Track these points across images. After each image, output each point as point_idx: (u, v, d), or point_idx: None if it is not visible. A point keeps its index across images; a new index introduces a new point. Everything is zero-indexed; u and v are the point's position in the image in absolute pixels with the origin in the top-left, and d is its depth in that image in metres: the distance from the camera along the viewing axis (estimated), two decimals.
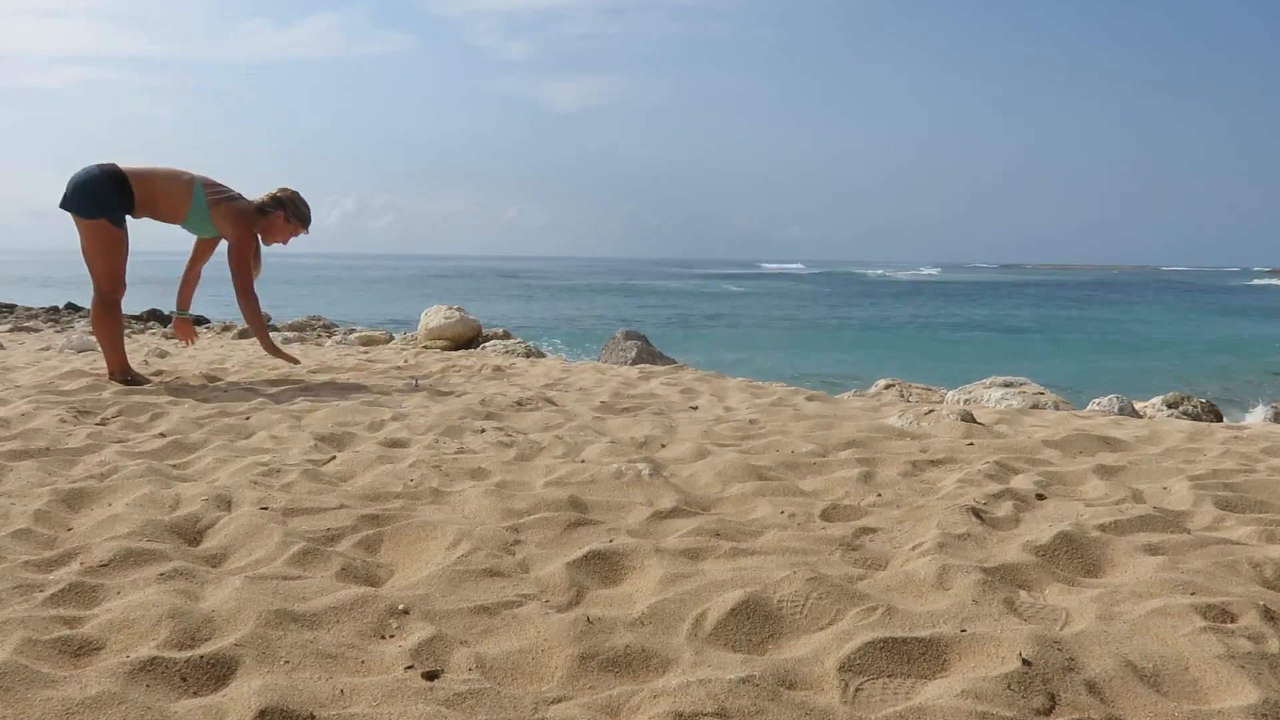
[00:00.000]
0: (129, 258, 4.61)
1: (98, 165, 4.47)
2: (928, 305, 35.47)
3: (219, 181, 4.71)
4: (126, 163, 4.53)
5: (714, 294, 42.47)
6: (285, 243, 4.91)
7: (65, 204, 4.44)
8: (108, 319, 4.54)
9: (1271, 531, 2.26)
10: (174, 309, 5.32)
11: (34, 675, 1.45)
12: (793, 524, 2.33)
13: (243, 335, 9.50)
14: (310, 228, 4.96)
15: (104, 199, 4.41)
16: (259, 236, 4.79)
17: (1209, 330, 23.94)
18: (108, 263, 4.48)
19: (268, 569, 1.96)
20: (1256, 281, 78.15)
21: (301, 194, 4.87)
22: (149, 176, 4.52)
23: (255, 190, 4.88)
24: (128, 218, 4.54)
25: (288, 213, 4.79)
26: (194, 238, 5.01)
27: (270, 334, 5.46)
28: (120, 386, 4.38)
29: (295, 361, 5.32)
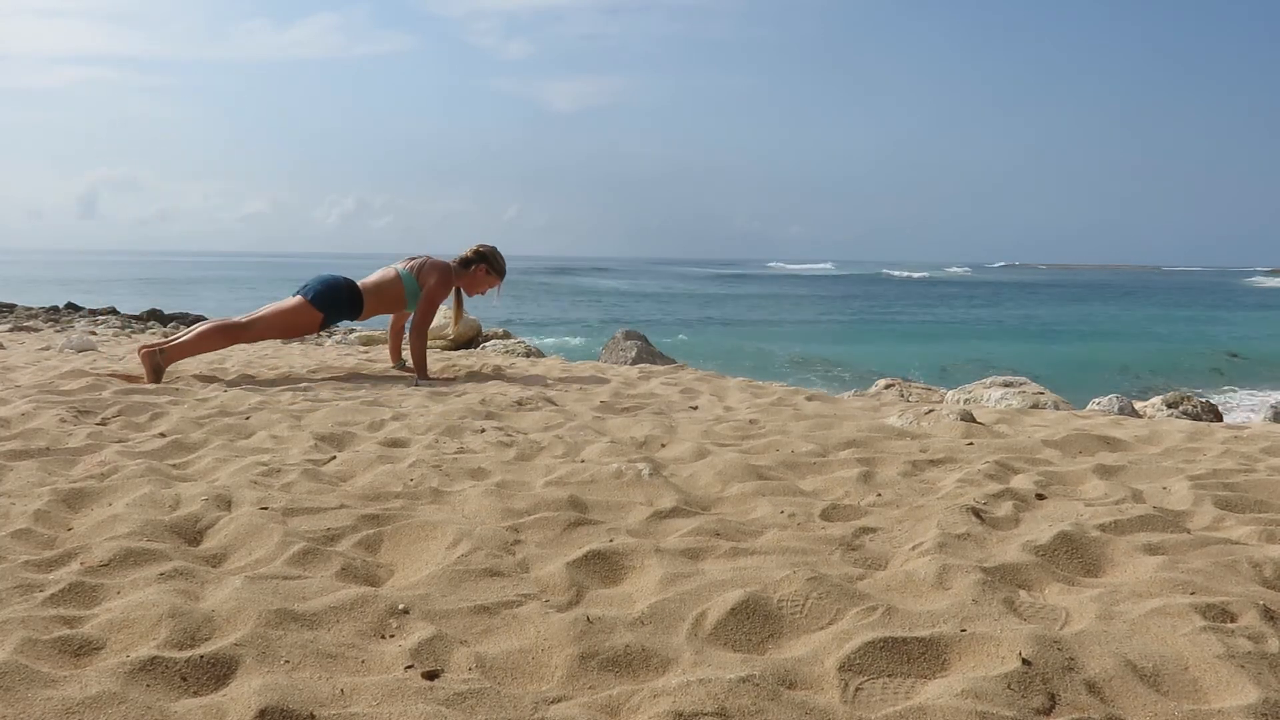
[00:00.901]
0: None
1: (345, 278, 5.25)
2: (1040, 307, 34.13)
3: (410, 256, 5.42)
4: (362, 279, 5.28)
5: (763, 298, 39.39)
6: (484, 293, 5.58)
7: (304, 289, 5.14)
8: (223, 339, 5.00)
9: (1271, 531, 2.26)
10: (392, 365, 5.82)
11: (34, 675, 1.45)
12: (793, 524, 2.33)
13: None
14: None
15: (335, 305, 5.14)
16: (460, 288, 5.50)
17: None
18: (281, 328, 5.12)
19: (268, 569, 1.96)
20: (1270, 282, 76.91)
21: (499, 250, 5.54)
22: (376, 289, 5.24)
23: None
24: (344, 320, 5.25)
25: (490, 266, 5.45)
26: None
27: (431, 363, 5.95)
28: (121, 386, 4.38)
29: (449, 382, 5.40)
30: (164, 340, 5.04)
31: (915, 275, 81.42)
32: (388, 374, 5.39)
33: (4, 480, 2.62)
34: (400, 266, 5.32)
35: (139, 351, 4.80)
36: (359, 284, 5.23)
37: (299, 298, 5.14)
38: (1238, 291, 54.56)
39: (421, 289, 5.26)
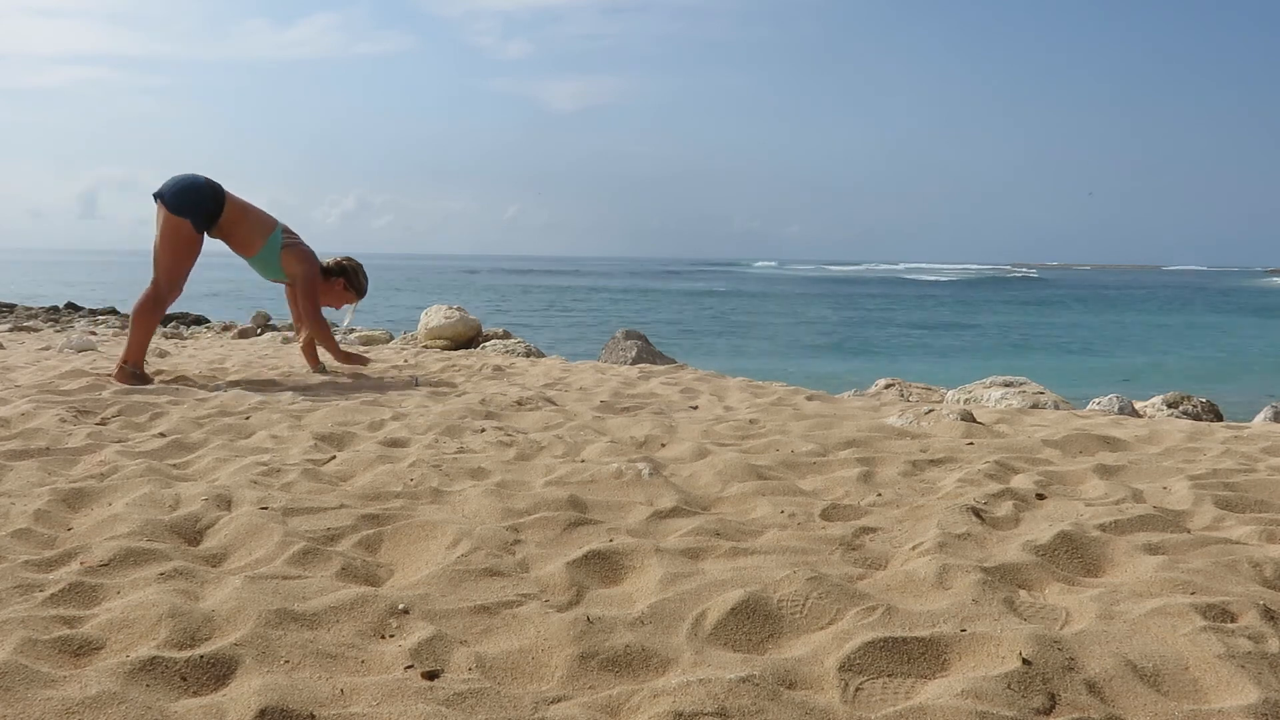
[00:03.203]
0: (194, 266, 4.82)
1: (205, 177, 4.77)
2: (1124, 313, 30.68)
3: (296, 235, 5.09)
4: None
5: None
6: (337, 308, 5.32)
7: (159, 193, 4.70)
8: (152, 314, 4.72)
9: (1271, 531, 2.26)
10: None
11: (34, 675, 1.45)
12: (793, 524, 2.33)
13: (242, 335, 9.49)
14: (362, 300, 5.35)
15: (195, 203, 4.67)
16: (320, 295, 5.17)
17: None
18: (174, 261, 4.71)
19: (268, 568, 1.96)
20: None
21: (365, 269, 5.32)
22: (244, 206, 4.87)
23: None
24: (205, 234, 4.80)
25: (349, 280, 5.21)
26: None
27: (336, 340, 5.72)
28: (120, 385, 4.38)
29: (366, 361, 5.45)
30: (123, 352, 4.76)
31: (940, 277, 75.20)
32: (388, 375, 5.39)
33: (4, 480, 2.62)
34: (280, 224, 4.97)
35: (115, 378, 4.56)
36: (226, 192, 4.78)
37: (160, 211, 4.64)
38: (1252, 293, 52.52)
39: (284, 269, 4.96)
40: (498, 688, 1.47)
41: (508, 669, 1.55)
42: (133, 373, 4.57)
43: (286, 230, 5.01)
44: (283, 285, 5.29)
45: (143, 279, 4.85)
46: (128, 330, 4.81)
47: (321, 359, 5.50)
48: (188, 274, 4.78)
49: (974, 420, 3.77)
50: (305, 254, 5.04)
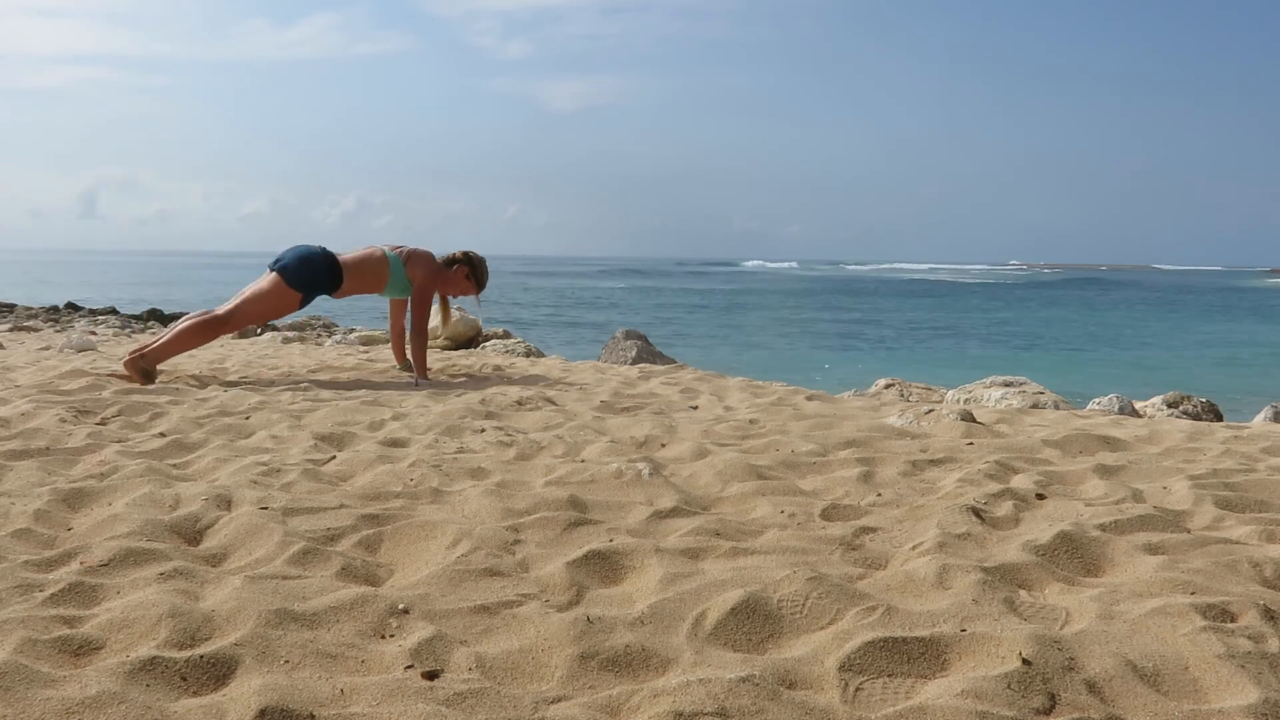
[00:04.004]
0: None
1: (322, 248, 5.06)
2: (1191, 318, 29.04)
3: (399, 244, 5.30)
4: (341, 254, 5.11)
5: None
6: (455, 296, 5.51)
7: (277, 265, 4.94)
8: (204, 335, 4.90)
9: (1271, 531, 2.26)
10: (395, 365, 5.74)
11: (34, 675, 1.45)
12: (793, 523, 2.33)
13: (242, 335, 9.49)
14: (483, 293, 5.53)
15: (312, 279, 4.97)
16: (439, 289, 5.34)
17: None
18: (260, 314, 5.01)
19: (268, 568, 1.96)
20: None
21: (488, 265, 5.49)
22: (358, 266, 5.10)
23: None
24: (320, 296, 5.09)
25: (472, 270, 5.37)
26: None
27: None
28: (120, 385, 4.38)
29: (450, 379, 5.39)
30: (147, 344, 4.92)
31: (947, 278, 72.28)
32: (390, 374, 5.39)
33: (4, 480, 2.62)
34: (386, 248, 5.20)
35: (124, 363, 4.67)
36: (339, 258, 5.08)
37: (273, 275, 4.97)
38: (1261, 294, 51.59)
39: (409, 278, 5.17)
40: (498, 688, 1.47)
41: (508, 669, 1.55)
42: (144, 370, 4.62)
43: (394, 248, 5.21)
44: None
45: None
46: (170, 331, 4.94)
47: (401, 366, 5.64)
48: (260, 318, 5.06)
49: (974, 420, 3.77)
50: (423, 258, 5.22)
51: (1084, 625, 1.68)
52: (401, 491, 2.57)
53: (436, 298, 5.51)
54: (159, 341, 4.81)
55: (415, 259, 5.19)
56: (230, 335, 7.14)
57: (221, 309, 4.97)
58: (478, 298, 5.53)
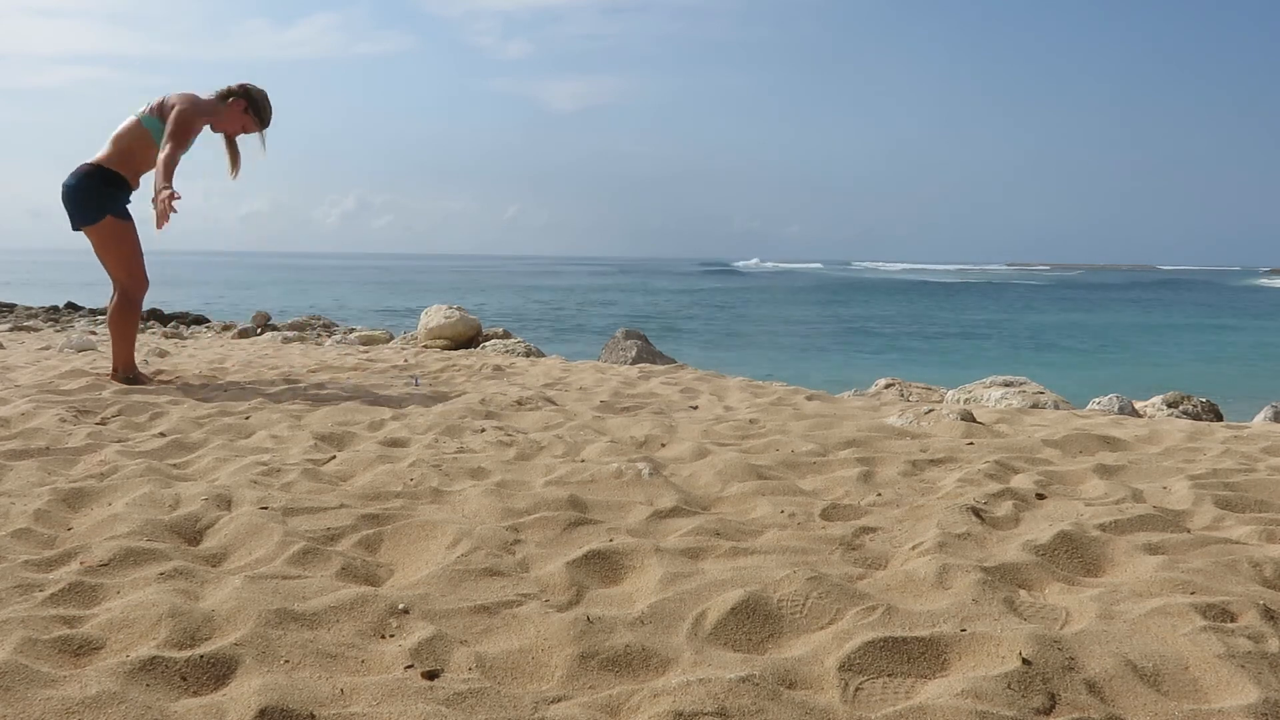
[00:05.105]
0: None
1: (72, 175, 4.45)
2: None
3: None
4: (91, 154, 4.49)
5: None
6: (232, 131, 4.72)
7: (79, 224, 4.47)
8: (128, 316, 4.56)
9: (1271, 531, 2.26)
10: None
11: (34, 675, 1.45)
12: (793, 523, 2.33)
13: (242, 335, 9.50)
14: (266, 132, 4.78)
15: (97, 196, 4.42)
16: (211, 125, 4.64)
17: None
18: (122, 257, 4.51)
19: (268, 568, 1.96)
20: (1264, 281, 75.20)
21: (269, 99, 4.74)
22: (121, 152, 4.47)
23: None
24: (131, 202, 4.53)
25: (250, 104, 4.66)
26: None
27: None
28: (120, 386, 4.38)
29: (174, 197, 4.41)
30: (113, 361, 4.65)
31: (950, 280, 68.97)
32: (388, 374, 5.39)
33: (4, 480, 2.62)
34: (141, 110, 4.54)
35: (115, 384, 4.49)
36: (101, 162, 4.47)
37: (87, 231, 4.48)
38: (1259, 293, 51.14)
39: (165, 124, 4.45)
40: (498, 687, 1.47)
41: (508, 669, 1.55)
42: (126, 378, 4.54)
43: (150, 107, 4.54)
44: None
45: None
46: (110, 335, 4.63)
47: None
48: (141, 261, 4.57)
49: (974, 420, 3.77)
50: (181, 97, 4.51)
51: (1084, 625, 1.68)
52: (401, 491, 2.57)
53: (224, 141, 4.78)
54: (112, 349, 4.63)
55: (170, 99, 4.50)
56: (230, 335, 7.13)
57: (113, 291, 4.63)
58: (262, 135, 4.79)
